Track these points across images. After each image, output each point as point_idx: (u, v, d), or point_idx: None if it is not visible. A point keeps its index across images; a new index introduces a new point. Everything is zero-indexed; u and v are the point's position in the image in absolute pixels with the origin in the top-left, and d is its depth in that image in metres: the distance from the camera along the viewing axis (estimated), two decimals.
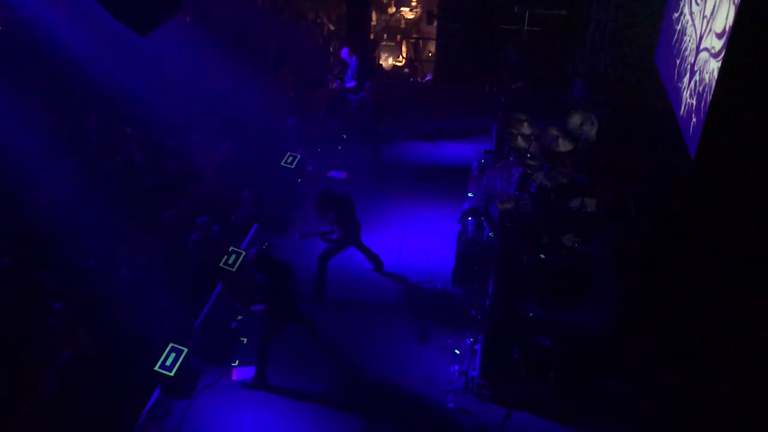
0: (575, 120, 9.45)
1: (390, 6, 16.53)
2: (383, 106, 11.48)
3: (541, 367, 7.41)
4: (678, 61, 8.07)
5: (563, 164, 9.24)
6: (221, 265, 8.44)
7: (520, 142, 8.76)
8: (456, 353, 7.89)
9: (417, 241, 9.88)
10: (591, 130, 9.48)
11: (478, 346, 7.64)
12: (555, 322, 7.75)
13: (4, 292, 7.32)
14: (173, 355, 7.44)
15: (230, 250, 8.59)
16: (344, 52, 12.00)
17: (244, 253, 8.55)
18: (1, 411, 6.35)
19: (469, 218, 9.35)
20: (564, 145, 9.08)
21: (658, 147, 8.88)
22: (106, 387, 7.09)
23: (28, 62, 10.04)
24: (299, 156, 10.83)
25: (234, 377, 7.72)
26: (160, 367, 7.36)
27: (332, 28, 14.47)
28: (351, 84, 11.61)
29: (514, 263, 7.75)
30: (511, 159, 9.30)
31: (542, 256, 8.35)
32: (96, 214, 8.49)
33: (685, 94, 7.59)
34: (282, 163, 10.67)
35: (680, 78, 7.88)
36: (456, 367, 7.72)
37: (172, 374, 7.32)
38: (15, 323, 7.03)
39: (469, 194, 10.15)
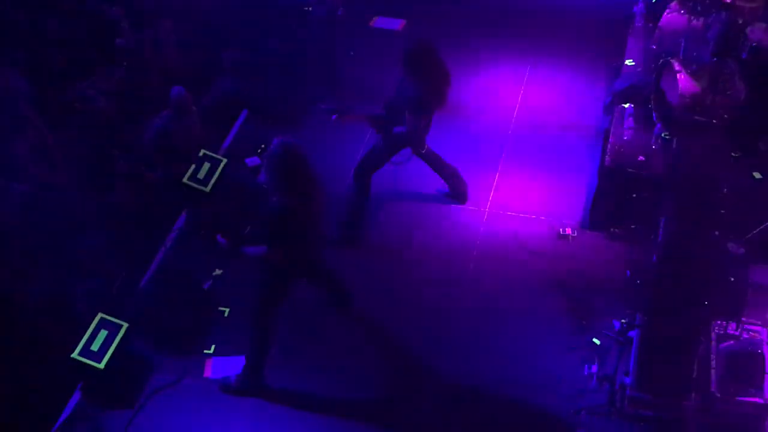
0: None
1: None
2: None
3: (753, 373, 7.19)
4: None
5: None
6: (186, 181, 8.52)
7: None
8: (594, 344, 7.91)
9: (529, 146, 9.92)
10: None
11: (634, 333, 7.55)
12: None
13: None
14: (104, 333, 7.46)
15: (201, 155, 8.63)
16: None
17: (224, 161, 8.62)
18: None
19: (627, 105, 9.20)
20: None
21: None
22: None
23: None
24: None
25: (208, 373, 7.80)
26: (81, 354, 7.36)
27: None
28: None
29: (705, 187, 7.60)
30: None
31: (758, 175, 8.17)
32: None
33: None
34: None
35: None
36: (593, 368, 7.69)
37: (101, 365, 7.34)
38: None
39: (628, 61, 9.97)
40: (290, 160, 6.86)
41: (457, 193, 9.19)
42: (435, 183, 9.22)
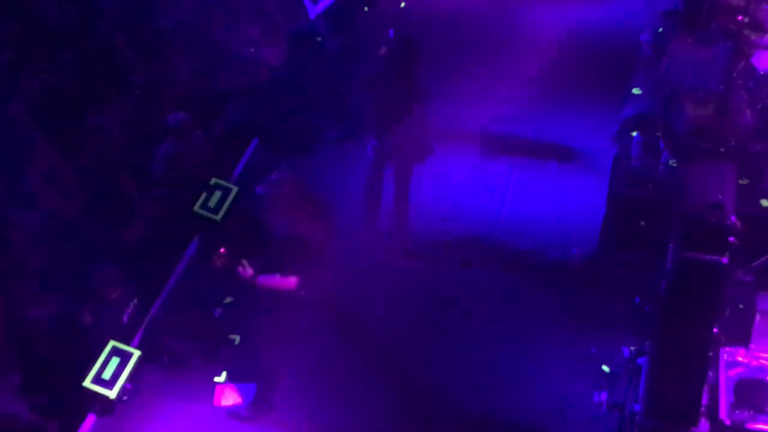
0: None
1: None
2: None
3: (763, 400, 7.08)
4: None
5: None
6: (197, 209, 8.50)
7: None
8: (603, 371, 7.92)
9: (538, 173, 9.99)
10: None
11: (643, 360, 7.34)
12: None
13: None
14: (116, 360, 7.48)
15: (212, 183, 8.62)
16: None
17: (234, 189, 8.64)
18: None
19: (634, 134, 9.18)
20: None
21: None
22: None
23: None
24: None
25: (218, 401, 7.78)
26: (93, 381, 7.38)
27: None
28: None
29: (714, 215, 7.25)
30: (714, 27, 8.91)
31: (765, 203, 8.13)
32: None
33: None
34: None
35: None
36: (603, 396, 7.52)
37: (112, 393, 7.36)
38: None
39: (635, 90, 9.85)
40: (285, 196, 7.11)
41: (396, 231, 9.05)
42: (441, 201, 9.27)
